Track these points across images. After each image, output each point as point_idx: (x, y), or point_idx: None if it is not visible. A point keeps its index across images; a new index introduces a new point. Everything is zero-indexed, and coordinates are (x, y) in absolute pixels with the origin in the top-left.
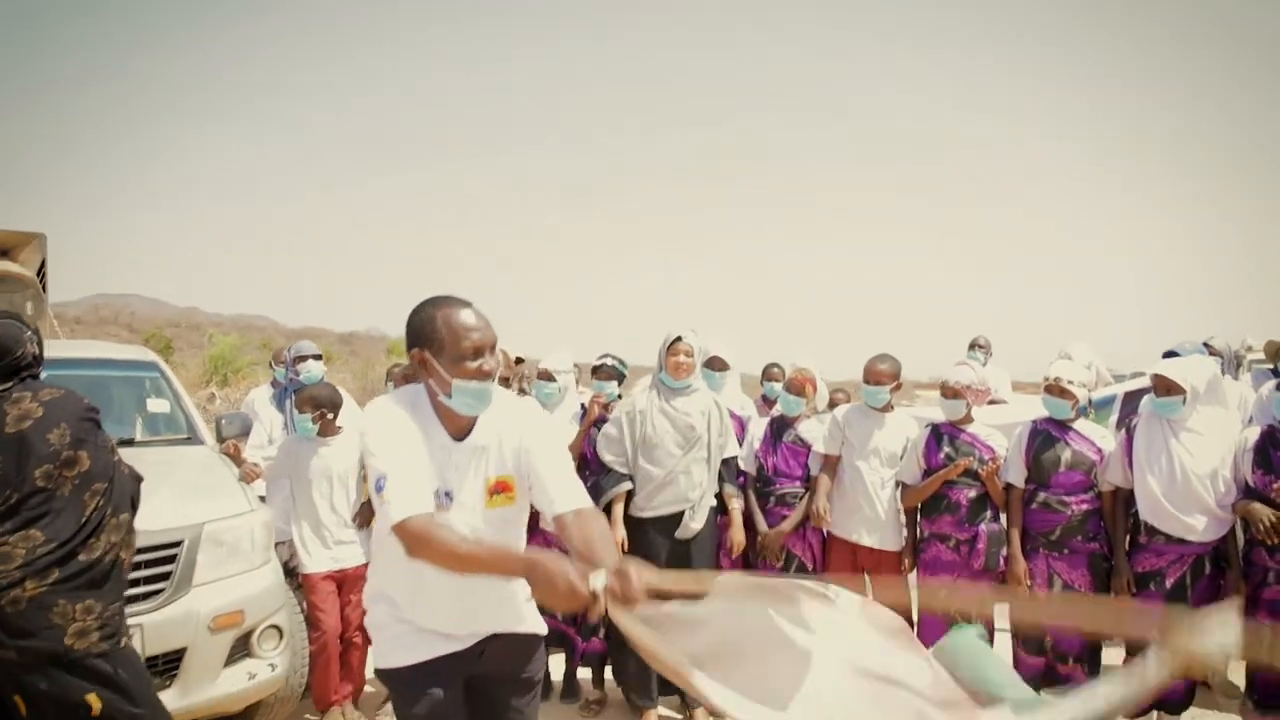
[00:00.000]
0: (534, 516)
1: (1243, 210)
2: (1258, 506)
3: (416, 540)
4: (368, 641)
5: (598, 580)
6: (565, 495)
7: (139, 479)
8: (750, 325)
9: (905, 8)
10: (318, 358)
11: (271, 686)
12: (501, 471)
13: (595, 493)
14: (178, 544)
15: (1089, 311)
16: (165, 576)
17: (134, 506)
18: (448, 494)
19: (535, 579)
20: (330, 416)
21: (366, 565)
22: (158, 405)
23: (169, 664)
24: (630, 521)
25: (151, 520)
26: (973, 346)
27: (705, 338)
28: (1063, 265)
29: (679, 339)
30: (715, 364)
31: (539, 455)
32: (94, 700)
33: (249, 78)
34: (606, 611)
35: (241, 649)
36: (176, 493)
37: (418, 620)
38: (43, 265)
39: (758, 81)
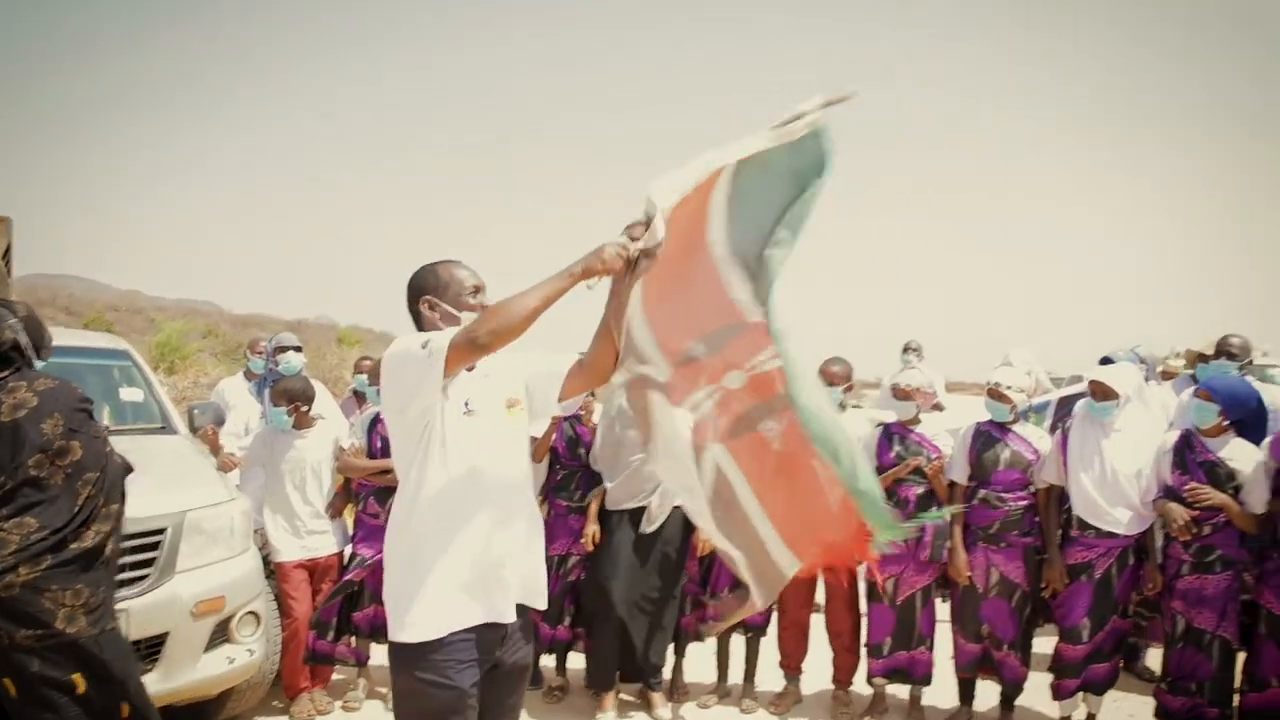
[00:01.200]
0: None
1: (1201, 217)
2: (1173, 506)
3: (488, 318)
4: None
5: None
6: (559, 361)
7: (129, 469)
8: None
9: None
10: (298, 349)
11: (248, 671)
12: (511, 393)
13: (566, 485)
14: (162, 531)
15: (1034, 314)
16: (150, 563)
17: (123, 496)
18: (467, 403)
19: (590, 261)
20: (305, 409)
21: (338, 554)
22: (131, 394)
23: (151, 648)
24: (604, 514)
25: (136, 508)
26: (906, 349)
27: None
28: (1002, 268)
29: None
30: None
31: (532, 368)
32: (80, 681)
33: (194, 59)
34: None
35: (221, 634)
36: (158, 481)
37: (455, 576)
38: (8, 249)
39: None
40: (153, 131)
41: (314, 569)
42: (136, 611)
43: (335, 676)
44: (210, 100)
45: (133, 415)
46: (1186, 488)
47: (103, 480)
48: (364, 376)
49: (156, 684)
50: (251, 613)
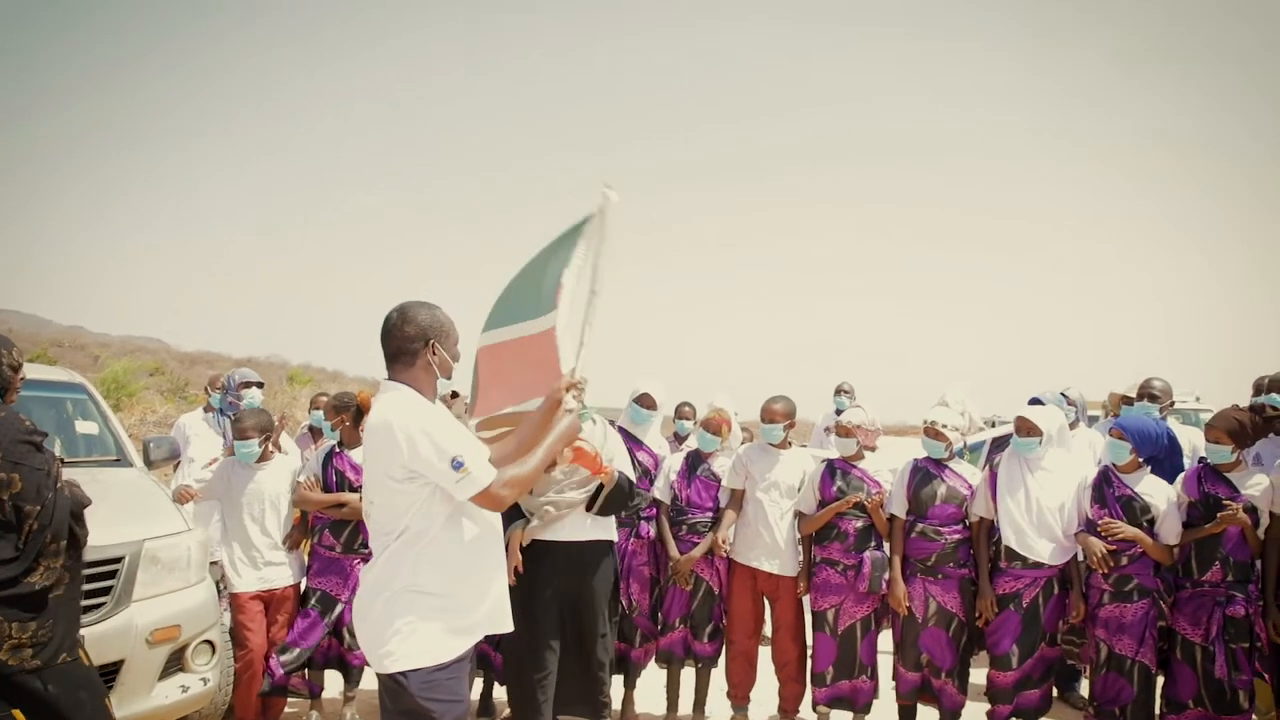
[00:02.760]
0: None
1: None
2: (1092, 539)
3: (508, 487)
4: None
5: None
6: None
7: (84, 503)
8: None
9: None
10: (260, 385)
11: (203, 700)
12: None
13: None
14: (119, 560)
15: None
16: (106, 591)
17: (75, 532)
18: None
19: (568, 433)
20: (269, 440)
21: (295, 586)
22: (86, 427)
23: (106, 675)
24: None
25: (93, 537)
26: (838, 392)
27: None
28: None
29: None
30: (645, 401)
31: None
32: (19, 716)
33: (139, 88)
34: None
35: (175, 663)
36: (115, 512)
37: (462, 604)
38: None
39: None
40: (95, 162)
41: (270, 600)
42: (92, 639)
43: (287, 710)
44: (154, 133)
45: (88, 448)
46: (1101, 523)
47: (47, 515)
48: (320, 413)
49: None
50: (206, 641)
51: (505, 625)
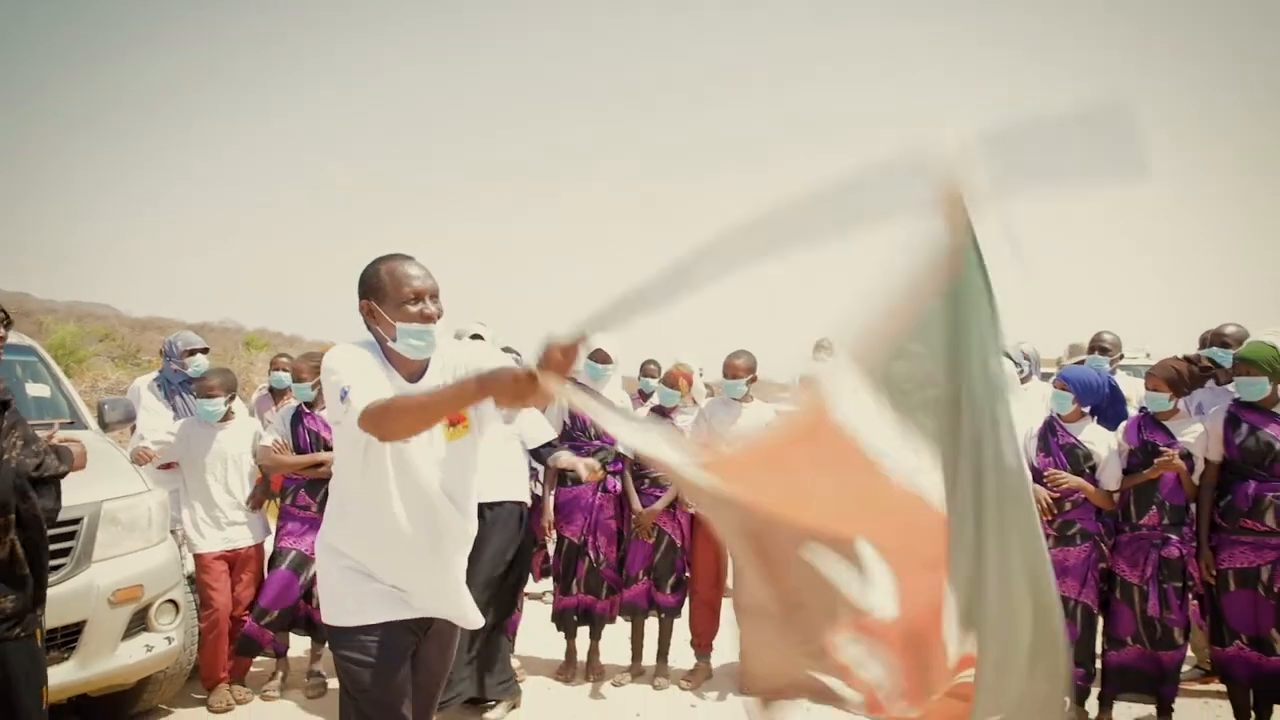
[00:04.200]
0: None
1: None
2: (1039, 488)
3: (383, 415)
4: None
5: (530, 365)
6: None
7: (23, 474)
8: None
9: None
10: (204, 351)
11: (167, 659)
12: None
13: None
14: (77, 521)
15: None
16: (66, 552)
17: (19, 506)
18: None
19: (492, 388)
20: (233, 400)
21: (258, 546)
22: (37, 389)
23: (68, 637)
24: None
25: None
26: (818, 348)
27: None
28: None
29: (478, 335)
30: (598, 356)
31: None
32: None
33: (91, 46)
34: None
35: (139, 623)
36: (72, 473)
37: (377, 573)
38: None
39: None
40: (39, 122)
41: (234, 560)
42: (53, 600)
43: (253, 669)
44: (101, 93)
45: (39, 411)
46: (1047, 474)
47: None
48: (281, 374)
49: (74, 672)
50: (170, 601)
51: (433, 610)
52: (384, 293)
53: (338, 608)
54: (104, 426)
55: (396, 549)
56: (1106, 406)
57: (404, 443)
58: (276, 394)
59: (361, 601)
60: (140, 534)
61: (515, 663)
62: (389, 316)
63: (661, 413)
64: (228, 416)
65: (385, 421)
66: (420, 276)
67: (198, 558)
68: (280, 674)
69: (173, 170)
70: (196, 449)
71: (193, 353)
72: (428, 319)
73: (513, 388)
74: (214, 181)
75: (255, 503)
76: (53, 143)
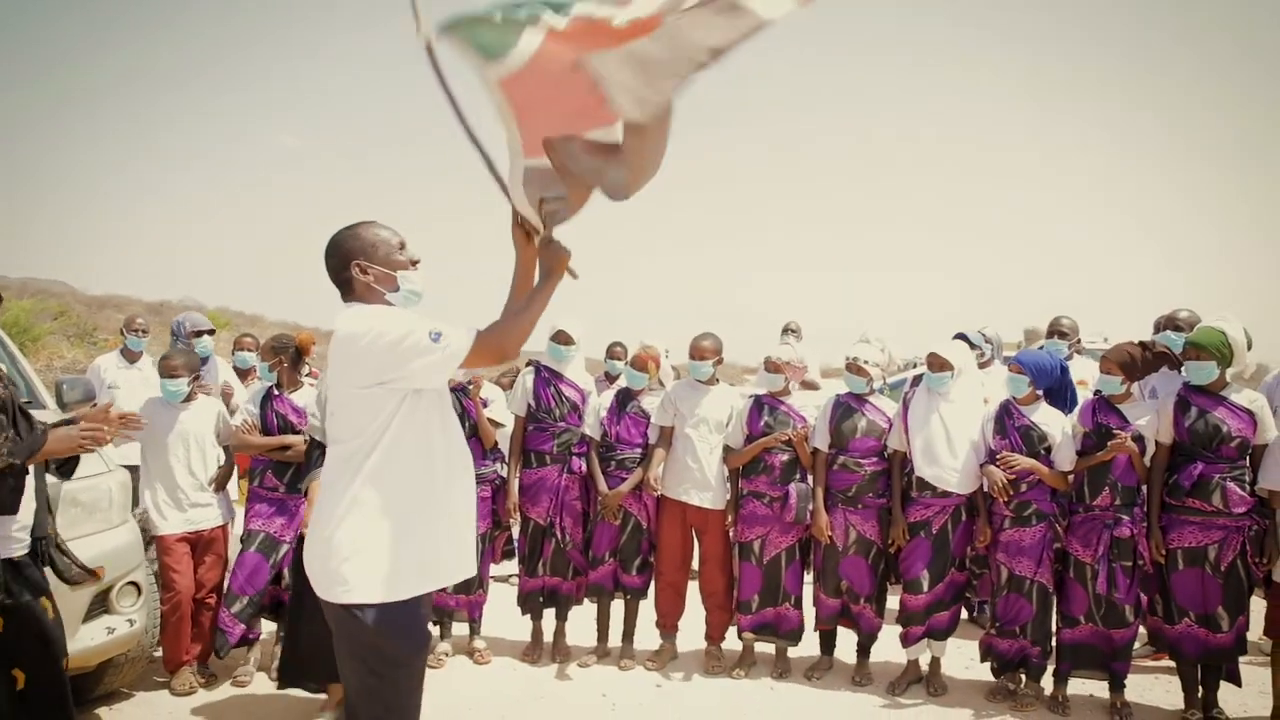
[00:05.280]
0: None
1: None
2: (994, 470)
3: (502, 334)
4: (220, 604)
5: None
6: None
7: None
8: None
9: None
10: (211, 332)
11: (129, 642)
12: None
13: None
14: None
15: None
16: None
17: None
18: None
19: (553, 264)
20: (197, 381)
21: (222, 527)
22: None
23: None
24: None
25: None
26: (785, 331)
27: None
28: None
29: None
30: (560, 338)
31: None
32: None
33: (48, 27)
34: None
35: (100, 605)
36: None
37: (425, 537)
38: None
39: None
40: None
41: (197, 542)
42: None
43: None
44: (53, 64)
45: None
46: (1000, 456)
47: None
48: (245, 354)
49: None
50: (132, 583)
51: (469, 570)
52: (374, 248)
53: (393, 582)
54: (62, 406)
55: (441, 508)
56: (1058, 389)
57: (443, 398)
58: (240, 374)
59: (419, 569)
60: (101, 515)
61: (481, 643)
62: (385, 268)
63: (629, 394)
64: (190, 396)
65: (507, 338)
66: (393, 230)
67: (159, 539)
68: (252, 657)
69: (134, 144)
70: (159, 429)
71: (200, 334)
72: (417, 263)
73: (554, 258)
74: (173, 157)
75: (218, 484)
76: (3, 116)
